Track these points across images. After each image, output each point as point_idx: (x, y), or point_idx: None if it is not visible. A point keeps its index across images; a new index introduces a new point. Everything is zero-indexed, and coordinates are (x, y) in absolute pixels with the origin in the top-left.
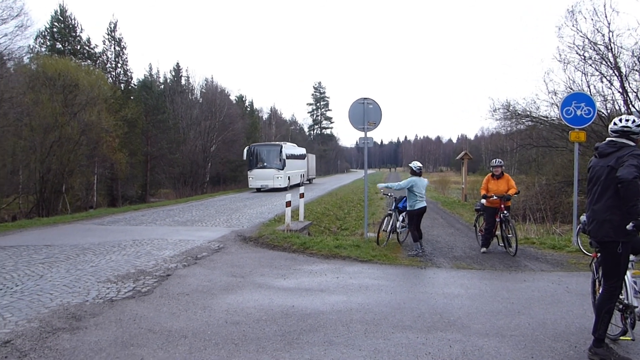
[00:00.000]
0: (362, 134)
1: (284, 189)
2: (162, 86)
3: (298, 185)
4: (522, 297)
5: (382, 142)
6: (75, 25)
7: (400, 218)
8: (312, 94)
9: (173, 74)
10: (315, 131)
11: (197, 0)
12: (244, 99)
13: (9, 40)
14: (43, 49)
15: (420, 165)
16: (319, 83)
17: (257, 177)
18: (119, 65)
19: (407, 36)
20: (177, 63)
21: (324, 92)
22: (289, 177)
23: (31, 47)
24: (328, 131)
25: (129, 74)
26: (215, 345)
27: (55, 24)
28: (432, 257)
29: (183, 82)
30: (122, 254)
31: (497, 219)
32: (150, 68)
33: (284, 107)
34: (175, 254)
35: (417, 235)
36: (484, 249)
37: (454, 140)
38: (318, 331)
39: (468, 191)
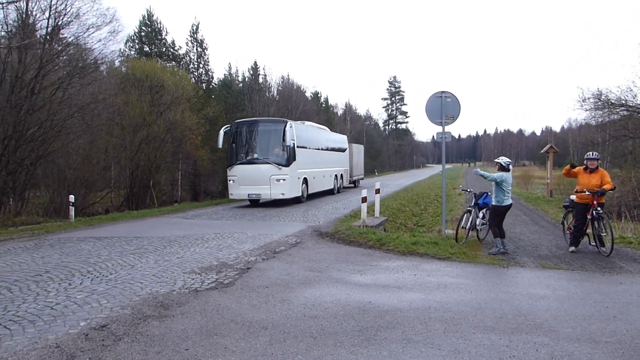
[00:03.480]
0: (439, 129)
1: (296, 201)
2: (241, 85)
3: (330, 192)
4: (619, 301)
5: (459, 136)
6: (161, 28)
7: (481, 215)
8: (387, 89)
9: (251, 72)
10: (390, 126)
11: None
12: (319, 95)
13: (102, 45)
14: (132, 52)
15: (510, 160)
16: (394, 77)
17: (243, 178)
18: (201, 65)
19: (486, 26)
20: (255, 62)
21: (399, 87)
22: (303, 179)
23: (122, 50)
24: (403, 126)
25: (210, 74)
26: (294, 338)
27: (143, 28)
28: (515, 255)
29: (260, 80)
30: (205, 246)
31: (589, 216)
32: (230, 67)
33: (359, 102)
34: (254, 247)
35: (499, 232)
36: (572, 248)
37: (538, 133)
38: (396, 328)
39: (554, 186)
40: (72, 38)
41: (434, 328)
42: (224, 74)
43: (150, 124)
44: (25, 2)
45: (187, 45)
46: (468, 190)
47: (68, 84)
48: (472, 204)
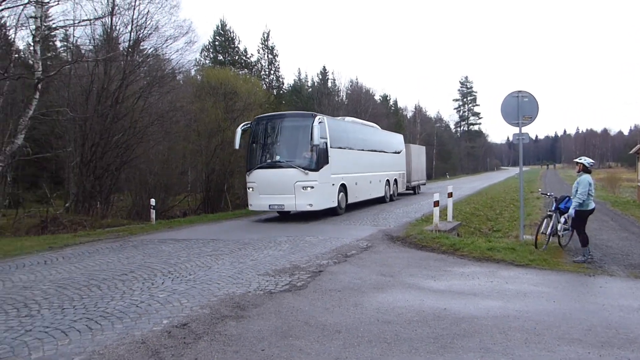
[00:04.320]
0: (515, 130)
1: (333, 212)
2: (310, 89)
3: (380, 200)
4: None
5: (537, 137)
6: (234, 37)
7: (562, 220)
8: (459, 89)
9: (320, 77)
10: (461, 128)
11: (342, 4)
12: (388, 98)
13: (179, 56)
14: (207, 61)
15: (593, 161)
16: (466, 77)
17: (263, 186)
18: (272, 72)
19: (563, 19)
20: (324, 66)
21: (471, 87)
22: (341, 185)
23: (197, 60)
24: (476, 127)
25: (281, 80)
26: (368, 343)
27: (217, 37)
28: (602, 263)
29: (329, 84)
30: (278, 249)
31: None
32: (299, 73)
33: (429, 104)
34: (326, 251)
35: (586, 238)
36: None
37: (625, 132)
38: (473, 337)
39: None
40: (151, 49)
41: (514, 338)
42: (294, 80)
43: (225, 130)
44: (110, 18)
45: (259, 53)
46: (548, 194)
47: (148, 93)
48: (553, 208)
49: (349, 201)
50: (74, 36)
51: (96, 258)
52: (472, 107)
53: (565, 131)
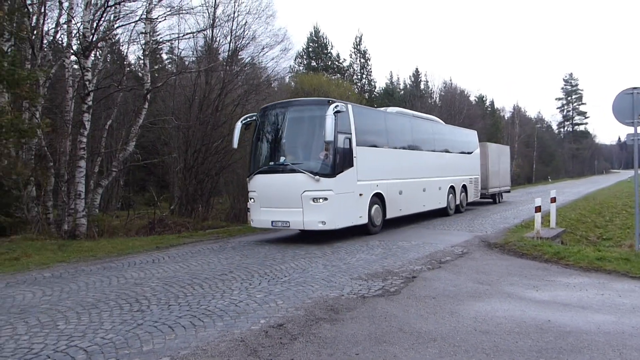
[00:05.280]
0: (630, 129)
1: (362, 231)
2: (402, 92)
3: (441, 212)
4: None
5: None
6: (327, 43)
7: None
8: (562, 87)
9: (412, 79)
10: (565, 128)
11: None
12: (484, 98)
13: (275, 63)
14: (301, 68)
15: None
16: (570, 74)
17: (264, 196)
18: (364, 76)
19: None
20: (416, 68)
21: (576, 85)
22: (374, 196)
23: (291, 67)
24: (581, 127)
25: (373, 84)
26: (465, 352)
27: (310, 44)
28: None
29: (422, 86)
30: (371, 253)
31: None
32: (391, 76)
33: (528, 104)
34: (419, 256)
35: None
36: None
37: None
38: (582, 353)
39: None
40: (248, 59)
41: (630, 357)
42: (386, 83)
43: None
44: (211, 30)
45: (351, 57)
46: None
47: (245, 101)
48: None
49: (389, 215)
50: (178, 48)
51: (198, 258)
52: (577, 106)
53: None
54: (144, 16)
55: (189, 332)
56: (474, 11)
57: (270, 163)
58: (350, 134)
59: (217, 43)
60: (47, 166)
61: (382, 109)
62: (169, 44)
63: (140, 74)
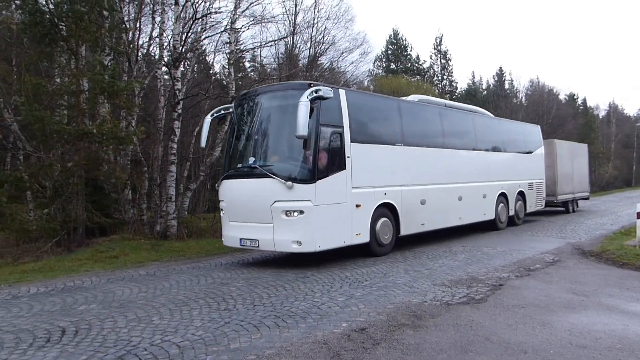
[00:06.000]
0: None
1: (367, 252)
2: (485, 92)
3: (487, 225)
4: None
5: None
6: (406, 45)
7: None
8: None
9: (495, 79)
10: None
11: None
12: (575, 97)
13: (353, 67)
14: (379, 71)
15: None
16: None
17: (232, 206)
18: (445, 77)
19: None
20: (500, 67)
21: None
22: (380, 207)
23: (370, 70)
24: None
25: (454, 84)
26: None
27: (389, 47)
28: None
29: (506, 86)
30: (454, 259)
31: None
32: (473, 76)
33: (626, 101)
34: (505, 263)
35: None
36: None
37: None
38: None
39: None
40: (327, 63)
41: None
42: (467, 83)
43: None
44: (291, 37)
45: (431, 59)
46: None
47: None
48: None
49: (406, 231)
50: (260, 56)
51: (280, 261)
52: None
53: None
54: (229, 27)
55: (273, 332)
56: (563, 2)
57: (239, 165)
58: (342, 127)
59: (297, 49)
60: (141, 171)
61: (407, 98)
62: (251, 52)
63: (225, 82)
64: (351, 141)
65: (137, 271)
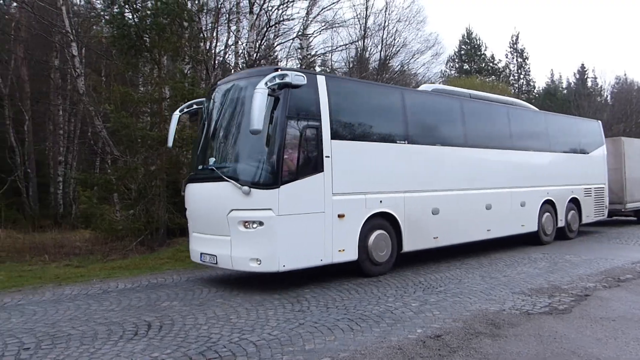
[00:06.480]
0: None
1: (360, 271)
2: (565, 91)
3: (533, 238)
4: None
5: None
6: (480, 44)
7: None
8: None
9: (577, 76)
10: None
11: None
12: None
13: (425, 69)
14: (452, 72)
15: None
16: None
17: (194, 215)
18: (522, 76)
19: None
20: (582, 64)
21: None
22: (378, 216)
23: (442, 71)
24: None
25: (532, 84)
26: None
27: (463, 47)
28: None
29: (589, 84)
30: (534, 267)
31: None
32: (552, 74)
33: None
34: (591, 272)
35: None
36: None
37: None
38: None
39: None
40: (398, 66)
41: None
42: (546, 82)
43: None
44: (362, 41)
45: (507, 58)
46: None
47: None
48: None
49: (410, 247)
50: (331, 60)
51: (350, 264)
52: None
53: None
54: (301, 33)
55: (347, 335)
56: None
57: (199, 167)
58: (319, 120)
59: (367, 53)
60: None
61: (421, 87)
62: (322, 56)
63: None
64: (332, 138)
65: (215, 271)
